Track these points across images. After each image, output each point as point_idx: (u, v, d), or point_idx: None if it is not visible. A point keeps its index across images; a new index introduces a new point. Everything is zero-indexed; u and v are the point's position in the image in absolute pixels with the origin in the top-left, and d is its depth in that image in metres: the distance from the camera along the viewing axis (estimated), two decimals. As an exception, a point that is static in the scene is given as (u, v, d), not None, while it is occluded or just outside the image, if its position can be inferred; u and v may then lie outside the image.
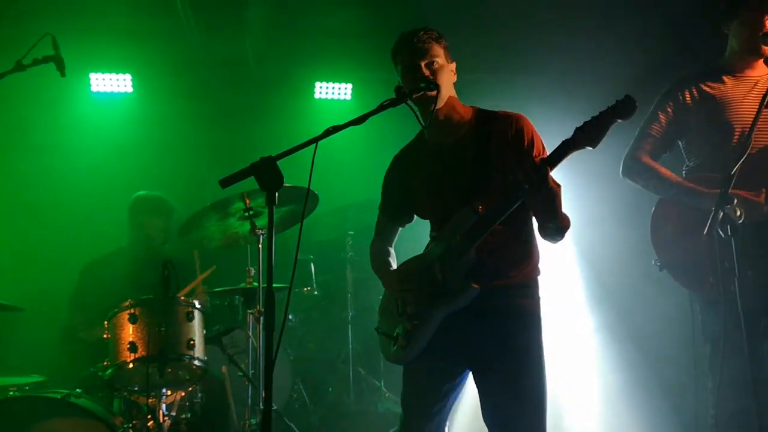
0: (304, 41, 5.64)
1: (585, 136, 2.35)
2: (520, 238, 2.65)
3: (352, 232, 5.63)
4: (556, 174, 2.57)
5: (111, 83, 5.81)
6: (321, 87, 6.13)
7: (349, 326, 5.42)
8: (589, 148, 2.37)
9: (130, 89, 5.83)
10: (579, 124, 2.44)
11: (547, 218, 2.50)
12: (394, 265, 2.88)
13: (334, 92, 6.15)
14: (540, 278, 2.71)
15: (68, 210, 5.38)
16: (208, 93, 5.87)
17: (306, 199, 2.61)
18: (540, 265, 2.71)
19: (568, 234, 2.59)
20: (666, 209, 3.24)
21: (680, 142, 3.35)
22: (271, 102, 6.04)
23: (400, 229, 2.98)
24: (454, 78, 2.72)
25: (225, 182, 2.34)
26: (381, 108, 2.54)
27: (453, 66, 2.71)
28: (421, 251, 2.78)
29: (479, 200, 2.55)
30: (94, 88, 5.79)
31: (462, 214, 2.60)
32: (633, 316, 4.70)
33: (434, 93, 2.60)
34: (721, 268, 2.86)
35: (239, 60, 5.79)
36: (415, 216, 2.92)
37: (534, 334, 2.62)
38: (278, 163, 2.31)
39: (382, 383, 5.34)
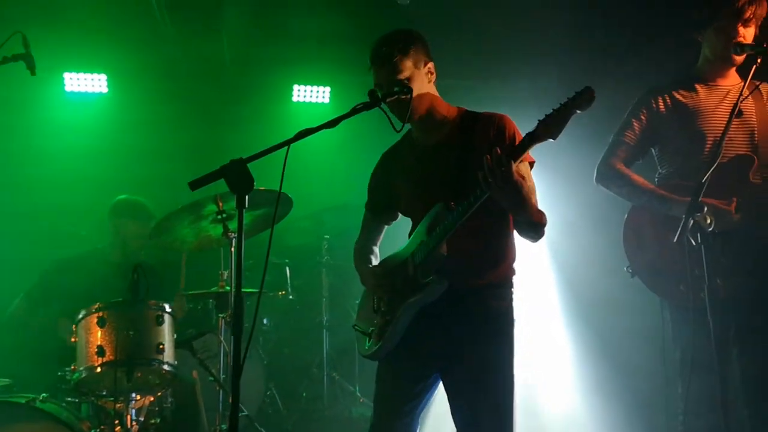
0: (282, 44, 5.62)
1: (546, 129, 2.35)
2: (494, 238, 2.65)
3: (328, 237, 5.62)
4: (537, 176, 2.57)
5: (86, 83, 5.74)
6: (299, 90, 6.11)
7: (324, 331, 5.40)
8: (551, 140, 2.37)
9: (105, 89, 5.76)
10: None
11: (515, 212, 2.50)
12: (376, 263, 2.91)
13: (312, 95, 6.13)
14: (515, 279, 2.70)
15: (39, 212, 5.29)
16: (184, 95, 5.82)
17: (277, 203, 2.61)
18: (515, 266, 2.71)
19: (543, 238, 2.59)
20: (638, 216, 3.26)
21: (653, 150, 3.37)
22: (249, 104, 6.01)
23: (386, 227, 3.01)
24: (432, 78, 2.72)
25: (194, 185, 2.31)
26: (354, 111, 2.55)
27: (429, 66, 2.70)
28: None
29: (459, 199, 2.54)
30: (68, 88, 5.72)
31: (436, 210, 2.61)
32: (605, 322, 4.73)
33: (407, 97, 2.59)
34: (691, 276, 2.88)
35: (216, 62, 5.75)
36: (400, 214, 2.94)
37: (504, 336, 2.62)
38: (254, 166, 2.29)
39: (357, 388, 5.32)
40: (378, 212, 2.95)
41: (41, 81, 5.64)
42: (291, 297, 5.40)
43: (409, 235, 2.77)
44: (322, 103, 6.14)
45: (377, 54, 2.65)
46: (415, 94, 2.60)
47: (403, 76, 2.61)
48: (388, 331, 2.67)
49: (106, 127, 5.75)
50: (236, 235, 3.77)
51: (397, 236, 2.99)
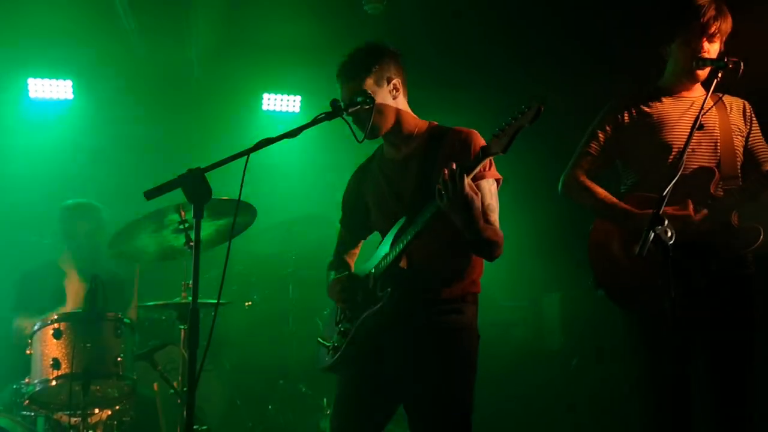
0: (252, 52, 5.60)
1: (498, 142, 2.35)
2: (455, 252, 2.63)
3: (296, 247, 5.56)
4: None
5: (51, 89, 5.65)
6: (269, 99, 6.06)
7: (291, 342, 5.34)
8: (500, 153, 2.36)
9: (70, 96, 5.67)
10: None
11: (464, 227, 2.45)
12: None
13: (282, 104, 6.08)
14: (477, 294, 2.68)
15: (2, 221, 5.19)
16: (152, 102, 5.76)
17: (236, 213, 2.59)
18: (479, 281, 2.68)
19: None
20: (602, 229, 3.25)
21: (618, 161, 3.38)
22: (217, 112, 5.96)
23: (362, 241, 3.01)
24: (397, 94, 2.70)
25: (150, 194, 2.28)
26: (315, 121, 2.56)
27: (394, 83, 2.69)
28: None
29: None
30: (32, 95, 5.63)
31: (400, 224, 2.61)
32: (569, 335, 4.74)
33: (369, 107, 2.59)
34: (653, 288, 2.88)
35: (184, 69, 5.71)
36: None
37: (463, 351, 2.60)
38: (221, 175, 2.29)
39: (324, 401, 5.27)
40: (350, 227, 2.98)
41: (4, 87, 5.58)
42: (258, 308, 5.34)
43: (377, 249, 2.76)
44: (293, 112, 6.10)
45: (341, 71, 2.70)
46: (377, 109, 2.60)
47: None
48: (345, 344, 2.66)
49: (71, 133, 5.67)
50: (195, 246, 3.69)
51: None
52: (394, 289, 2.54)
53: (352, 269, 2.93)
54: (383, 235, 2.76)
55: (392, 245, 2.59)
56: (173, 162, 5.43)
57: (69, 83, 5.65)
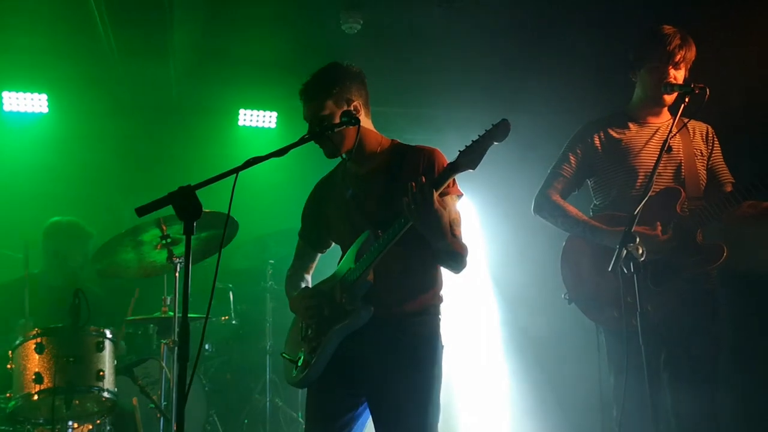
0: (229, 67, 5.61)
1: (467, 159, 2.46)
2: (420, 266, 2.71)
3: (272, 261, 5.59)
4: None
5: (25, 103, 5.63)
6: (245, 114, 6.09)
7: (267, 356, 5.36)
8: (470, 170, 2.47)
9: (45, 109, 5.66)
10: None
11: (434, 240, 2.55)
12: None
13: (258, 120, 6.12)
14: (441, 306, 2.77)
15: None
16: (128, 115, 5.76)
17: (224, 229, 2.61)
18: (442, 294, 2.78)
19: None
20: (574, 246, 3.39)
21: (589, 182, 3.52)
22: (193, 127, 5.97)
23: (320, 255, 3.05)
24: (358, 115, 2.76)
25: (141, 211, 2.30)
26: (302, 141, 2.64)
27: (355, 104, 2.76)
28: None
29: (383, 227, 2.60)
30: (6, 108, 5.60)
31: (363, 238, 2.68)
32: (544, 346, 4.85)
33: (355, 127, 2.71)
34: (624, 303, 3.00)
35: (161, 83, 5.70)
36: (333, 242, 2.98)
37: (428, 364, 2.67)
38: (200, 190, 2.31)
39: (299, 414, 5.30)
40: (310, 240, 3.01)
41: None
42: (234, 322, 5.36)
43: (339, 263, 2.82)
44: (269, 128, 6.14)
45: (302, 91, 2.80)
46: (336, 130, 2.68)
47: (323, 113, 2.72)
48: (314, 358, 2.70)
49: (46, 147, 5.64)
50: (182, 260, 3.74)
51: (332, 263, 3.03)
52: (363, 302, 2.62)
53: (310, 284, 2.98)
54: (344, 248, 2.82)
55: (357, 259, 2.65)
56: (150, 177, 5.47)
57: (44, 97, 5.63)
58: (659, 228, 3.14)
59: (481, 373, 5.01)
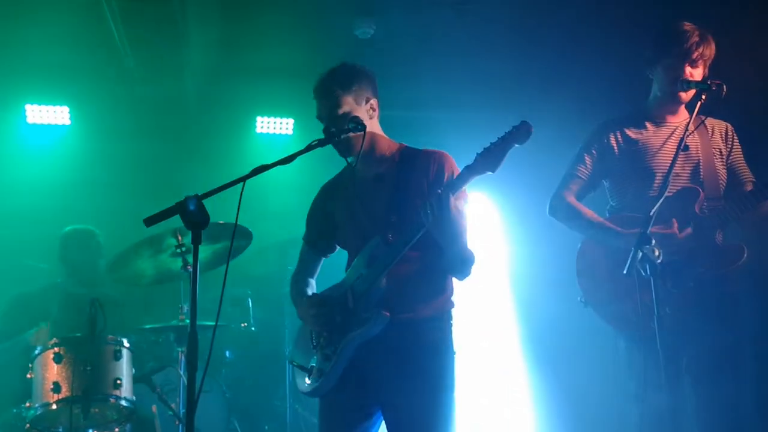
0: (245, 76, 5.65)
1: (485, 162, 2.42)
2: (432, 271, 2.68)
3: (291, 268, 5.57)
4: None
5: (48, 115, 5.71)
6: (262, 122, 6.12)
7: (287, 363, 5.36)
8: (489, 173, 2.43)
9: (67, 121, 5.73)
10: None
11: (449, 245, 2.52)
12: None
13: (275, 127, 6.15)
14: (453, 311, 2.74)
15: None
16: (147, 126, 5.80)
17: (232, 238, 2.63)
18: (453, 299, 2.74)
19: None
20: (590, 248, 3.33)
21: (605, 183, 3.46)
22: (212, 136, 6.01)
23: (323, 259, 3.00)
24: (374, 114, 2.76)
25: (149, 221, 2.31)
26: (309, 148, 2.61)
27: (371, 103, 2.75)
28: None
29: (394, 232, 2.58)
30: (29, 120, 5.68)
31: (374, 243, 2.64)
32: (562, 352, 4.78)
33: (361, 133, 2.67)
34: (641, 306, 2.94)
35: (179, 93, 5.76)
36: (338, 246, 2.94)
37: (443, 369, 2.64)
38: (217, 198, 2.30)
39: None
40: (315, 244, 2.95)
41: (1, 112, 5.64)
42: (253, 329, 5.37)
43: (347, 268, 2.78)
44: (286, 134, 6.16)
45: (319, 87, 2.74)
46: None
47: (342, 111, 2.67)
48: (329, 367, 2.65)
49: (68, 159, 5.72)
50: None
51: (332, 263, 3.00)
52: (379, 308, 2.58)
53: (315, 289, 2.92)
54: (351, 252, 2.79)
55: (369, 265, 2.61)
56: (170, 186, 5.50)
57: (66, 109, 5.70)
58: (675, 225, 3.07)
59: (498, 378, 4.96)
